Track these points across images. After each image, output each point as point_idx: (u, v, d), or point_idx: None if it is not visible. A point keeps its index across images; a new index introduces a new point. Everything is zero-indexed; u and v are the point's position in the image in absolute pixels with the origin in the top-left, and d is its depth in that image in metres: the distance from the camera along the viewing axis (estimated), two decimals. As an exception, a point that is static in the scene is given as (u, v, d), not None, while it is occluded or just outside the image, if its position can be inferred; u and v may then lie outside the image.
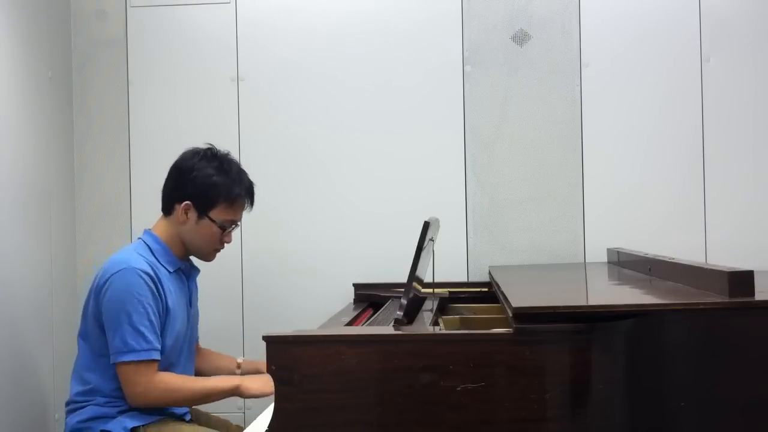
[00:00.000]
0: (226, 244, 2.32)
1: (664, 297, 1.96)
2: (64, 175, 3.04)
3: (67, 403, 2.21)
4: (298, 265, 3.08)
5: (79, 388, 2.18)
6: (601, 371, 1.64)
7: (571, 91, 3.04)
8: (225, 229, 2.28)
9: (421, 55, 3.08)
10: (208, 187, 2.23)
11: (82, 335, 2.21)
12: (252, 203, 2.34)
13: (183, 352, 2.28)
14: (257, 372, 2.36)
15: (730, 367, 1.68)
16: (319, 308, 2.68)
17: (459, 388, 1.63)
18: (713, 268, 1.85)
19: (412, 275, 1.91)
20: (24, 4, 2.75)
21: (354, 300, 2.84)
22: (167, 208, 2.28)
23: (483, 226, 3.06)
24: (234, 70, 3.12)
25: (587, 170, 3.04)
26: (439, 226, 2.30)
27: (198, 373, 2.43)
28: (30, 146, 2.75)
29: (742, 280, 1.70)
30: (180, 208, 2.23)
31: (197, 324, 2.41)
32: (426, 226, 1.95)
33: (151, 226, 2.32)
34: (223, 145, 3.06)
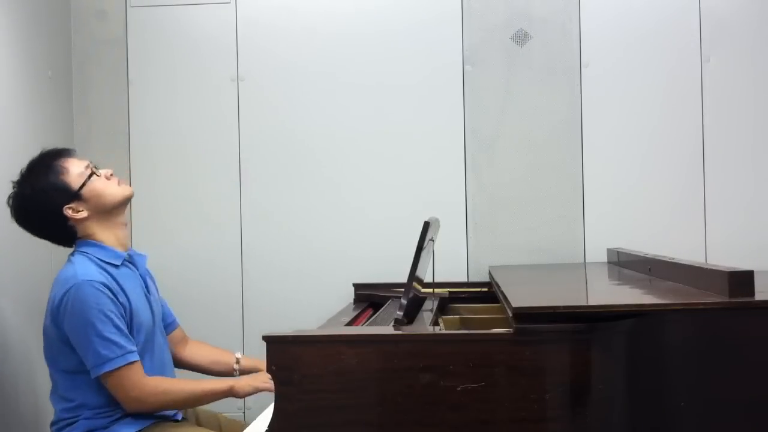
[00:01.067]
0: (114, 176, 2.24)
1: (664, 297, 1.96)
2: (64, 175, 3.03)
3: (54, 422, 2.16)
4: (297, 265, 3.08)
5: (64, 405, 2.13)
6: (601, 371, 1.64)
7: (571, 91, 3.04)
8: (95, 174, 2.21)
9: (421, 55, 3.08)
10: (50, 188, 2.16)
11: (51, 362, 2.16)
12: (69, 150, 2.27)
13: (160, 345, 2.25)
14: (256, 368, 2.35)
15: (730, 367, 1.68)
16: (319, 308, 2.68)
17: (459, 388, 1.63)
18: (713, 268, 1.85)
19: (412, 275, 1.91)
20: (24, 4, 2.75)
21: (354, 300, 2.84)
22: (68, 236, 2.21)
23: (483, 226, 3.06)
24: (234, 70, 3.12)
25: (587, 170, 3.04)
26: (439, 226, 2.30)
27: (193, 366, 2.42)
28: (30, 146, 2.74)
29: (742, 280, 1.70)
30: (70, 217, 2.17)
31: (160, 311, 2.33)
32: (426, 226, 1.95)
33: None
34: (223, 145, 3.10)
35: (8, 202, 2.21)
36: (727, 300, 1.69)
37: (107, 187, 2.21)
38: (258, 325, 3.00)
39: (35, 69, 2.81)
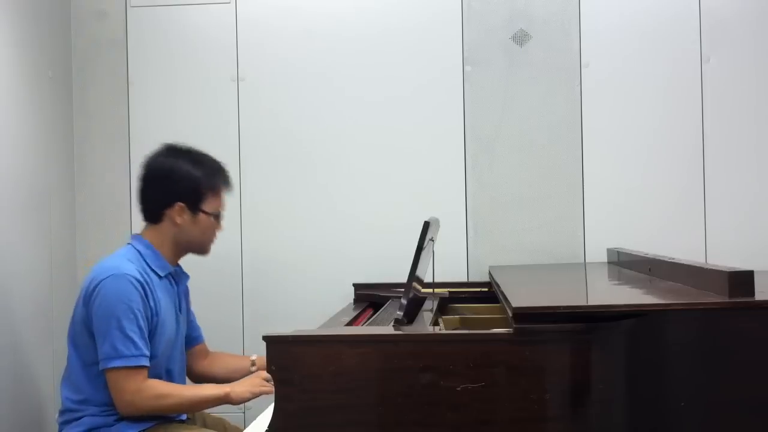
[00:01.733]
0: (217, 235, 2.32)
1: (664, 297, 1.96)
2: (64, 175, 3.04)
3: (61, 412, 2.19)
4: (297, 265, 3.08)
5: (72, 396, 2.15)
6: (601, 371, 1.64)
7: (571, 91, 3.04)
8: (219, 220, 2.29)
9: (421, 56, 3.08)
10: (194, 184, 2.22)
11: (71, 341, 2.19)
12: (230, 185, 2.35)
13: (175, 360, 2.27)
14: None
15: (730, 367, 1.68)
16: (319, 308, 2.68)
17: (459, 388, 1.63)
18: (713, 268, 1.85)
19: (412, 275, 1.91)
20: (24, 4, 2.75)
21: (354, 300, 2.84)
22: (155, 217, 2.25)
23: (483, 227, 3.06)
24: (234, 70, 3.12)
25: (587, 170, 3.04)
26: (439, 226, 2.30)
27: (211, 378, 2.42)
28: (30, 146, 2.75)
29: (742, 280, 1.70)
30: (172, 212, 2.22)
31: (185, 330, 2.37)
32: (426, 226, 1.95)
33: (140, 231, 2.30)
34: (223, 145, 3.09)
35: (165, 149, 2.27)
36: (727, 300, 1.69)
37: (209, 234, 2.29)
38: (258, 325, 3.00)
39: (35, 69, 2.81)
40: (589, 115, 3.04)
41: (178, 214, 2.22)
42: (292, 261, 3.09)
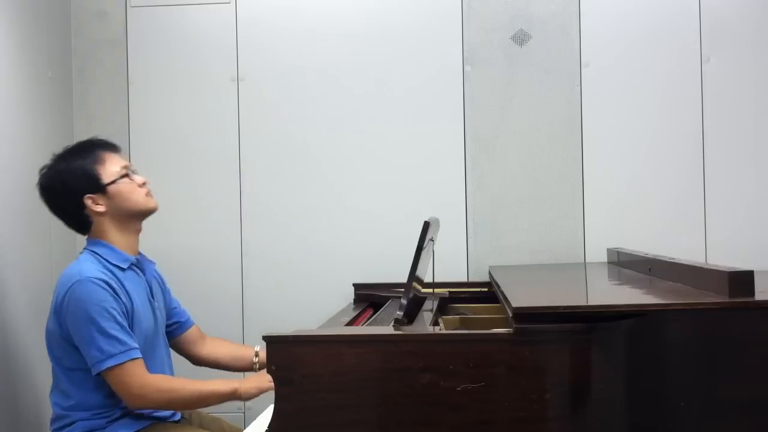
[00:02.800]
0: (147, 184, 2.26)
1: (664, 297, 1.96)
2: (64, 175, 3.03)
3: (53, 420, 2.18)
4: (298, 265, 3.08)
5: (62, 402, 2.15)
6: (601, 371, 1.64)
7: (571, 91, 3.05)
8: (129, 176, 2.23)
9: (421, 56, 3.08)
10: (79, 172, 2.17)
11: (50, 352, 2.18)
12: (114, 146, 2.29)
13: (160, 347, 2.26)
14: None
15: (730, 367, 1.68)
16: (319, 308, 2.68)
17: (459, 388, 1.63)
18: (713, 268, 1.85)
19: (412, 275, 1.91)
20: (24, 4, 2.75)
21: (354, 300, 2.84)
22: (82, 224, 2.22)
23: (483, 226, 3.06)
24: (234, 70, 3.13)
25: (587, 170, 3.04)
26: (439, 226, 2.30)
27: (212, 363, 2.42)
28: (30, 146, 2.75)
29: (742, 280, 1.70)
30: (88, 207, 2.18)
31: (164, 317, 2.34)
32: (426, 226, 1.94)
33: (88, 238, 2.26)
34: (223, 145, 3.10)
35: (40, 171, 2.23)
36: (727, 300, 1.69)
37: (133, 193, 2.23)
38: (258, 325, 3.00)
39: (35, 69, 2.81)
40: (589, 115, 3.04)
41: (94, 205, 2.18)
42: (292, 261, 3.09)
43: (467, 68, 3.07)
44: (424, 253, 1.95)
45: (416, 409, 1.64)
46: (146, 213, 2.27)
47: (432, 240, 2.14)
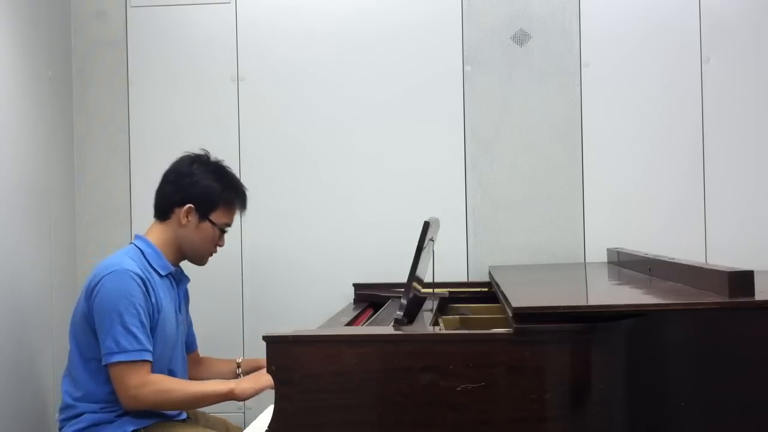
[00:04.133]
0: (219, 248, 2.37)
1: (664, 297, 1.96)
2: (64, 175, 3.04)
3: (61, 409, 2.20)
4: (298, 265, 3.08)
5: (72, 391, 2.17)
6: (601, 371, 1.64)
7: (571, 91, 3.05)
8: (222, 232, 2.33)
9: (421, 56, 3.08)
10: (211, 191, 2.28)
11: (73, 337, 2.21)
12: (245, 208, 2.40)
13: (177, 360, 2.28)
14: (258, 368, 2.36)
15: (730, 367, 1.68)
16: (319, 308, 2.68)
17: (459, 388, 1.63)
18: (713, 268, 1.85)
19: (412, 275, 1.91)
20: (24, 4, 2.75)
21: (354, 300, 2.84)
22: (164, 213, 2.30)
23: (483, 226, 3.06)
24: (234, 70, 3.12)
25: (587, 170, 3.04)
26: (439, 226, 2.30)
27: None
28: (30, 146, 2.75)
29: (742, 280, 1.70)
30: (181, 211, 2.26)
31: (186, 332, 2.40)
32: (426, 226, 1.95)
33: (143, 232, 2.32)
34: (223, 145, 3.09)
35: (199, 152, 2.35)
36: (727, 300, 1.69)
37: (206, 244, 2.32)
38: (258, 325, 3.00)
39: (35, 69, 2.81)
40: (589, 115, 3.04)
41: (186, 215, 2.26)
42: (292, 261, 3.09)
43: (467, 68, 3.07)
44: (424, 253, 1.96)
45: (416, 409, 1.64)
46: (195, 262, 2.37)
47: (432, 240, 2.14)
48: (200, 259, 2.36)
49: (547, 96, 3.05)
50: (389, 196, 3.07)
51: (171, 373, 2.24)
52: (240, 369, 2.44)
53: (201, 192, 2.27)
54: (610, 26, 3.04)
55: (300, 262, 3.08)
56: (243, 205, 2.38)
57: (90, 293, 2.14)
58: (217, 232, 2.31)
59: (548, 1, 3.05)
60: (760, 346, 1.68)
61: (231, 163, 3.06)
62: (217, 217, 2.30)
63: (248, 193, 2.40)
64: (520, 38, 3.06)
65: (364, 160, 3.08)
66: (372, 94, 3.09)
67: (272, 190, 3.10)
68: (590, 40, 3.04)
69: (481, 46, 3.07)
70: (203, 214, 2.28)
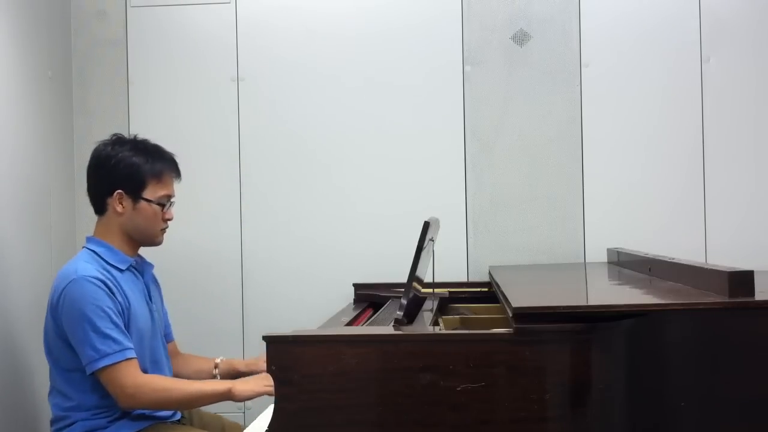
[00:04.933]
0: (168, 222, 2.26)
1: (664, 297, 1.96)
2: (64, 175, 3.03)
3: (53, 421, 2.17)
4: (298, 265, 3.08)
5: (61, 403, 2.14)
6: (601, 371, 1.64)
7: (571, 92, 3.05)
8: (163, 206, 2.23)
9: (421, 55, 3.08)
10: (132, 169, 2.18)
11: (48, 352, 2.17)
12: (179, 173, 2.29)
13: (159, 350, 2.25)
14: (233, 370, 2.36)
15: (730, 367, 1.68)
16: (319, 308, 2.69)
17: (459, 388, 1.63)
18: (713, 268, 1.85)
19: (412, 275, 1.91)
20: (24, 4, 2.75)
21: (354, 300, 2.84)
22: (99, 207, 2.23)
23: (483, 226, 3.06)
24: (234, 70, 3.12)
25: (587, 170, 3.04)
26: (439, 226, 2.30)
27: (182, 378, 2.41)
28: (30, 146, 2.75)
29: (742, 280, 1.70)
30: (112, 200, 2.18)
31: (162, 319, 2.34)
32: (426, 226, 1.95)
33: (91, 233, 2.26)
34: (223, 145, 3.10)
35: (110, 138, 2.25)
36: (727, 300, 1.69)
37: (153, 221, 2.22)
38: (258, 325, 3.00)
39: (35, 69, 2.81)
40: (589, 115, 3.04)
41: (118, 202, 2.18)
42: (292, 261, 3.09)
43: (467, 68, 3.07)
44: (424, 253, 1.96)
45: (416, 409, 1.64)
46: (148, 244, 2.27)
47: (432, 240, 2.14)
48: (152, 240, 2.25)
49: (547, 96, 3.05)
50: (389, 196, 3.07)
51: (156, 363, 2.21)
52: (217, 370, 2.38)
53: (124, 173, 2.17)
54: (610, 26, 3.04)
55: (300, 261, 3.08)
56: (173, 171, 2.25)
57: (55, 308, 2.10)
58: (158, 207, 2.21)
59: (548, 1, 3.05)
60: (760, 346, 1.68)
61: (231, 163, 3.10)
62: (150, 193, 2.19)
63: (180, 160, 2.27)
64: (520, 38, 3.06)
65: (364, 160, 3.08)
66: (372, 94, 3.09)
67: (272, 190, 3.10)
68: (590, 40, 3.04)
69: (481, 46, 3.07)
70: (134, 194, 2.18)
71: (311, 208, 3.09)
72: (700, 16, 3.00)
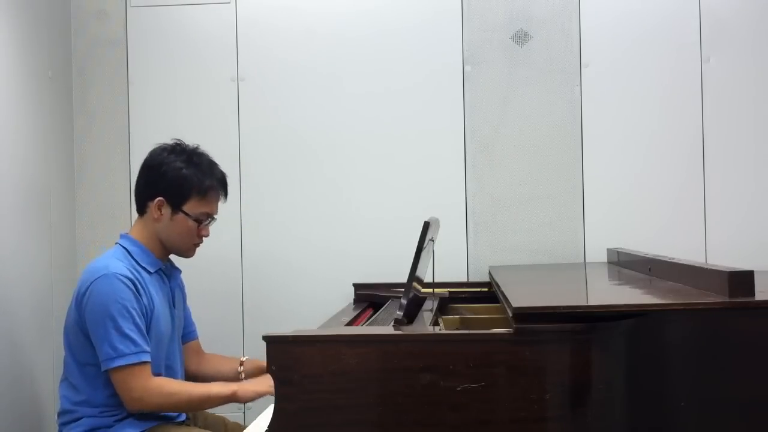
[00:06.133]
0: (204, 239, 2.26)
1: (664, 297, 1.96)
2: (64, 175, 3.04)
3: (60, 414, 2.18)
4: (298, 265, 3.08)
5: (71, 396, 2.15)
6: (601, 371, 1.64)
7: (571, 91, 3.05)
8: (201, 223, 2.22)
9: (421, 56, 3.08)
10: (179, 181, 2.18)
11: (67, 344, 2.18)
12: (226, 194, 2.29)
13: (175, 355, 2.26)
14: (259, 370, 2.35)
15: (730, 367, 1.68)
16: (319, 308, 2.68)
17: (459, 388, 1.63)
18: (713, 268, 1.85)
19: (412, 275, 1.91)
20: (24, 4, 2.75)
21: (354, 300, 2.84)
22: (141, 208, 2.24)
23: (483, 226, 3.06)
24: (234, 70, 3.13)
25: (587, 170, 3.04)
26: (439, 226, 2.30)
27: (200, 378, 2.40)
28: (30, 146, 2.75)
29: (742, 280, 1.70)
30: (153, 205, 2.19)
31: (182, 325, 2.36)
32: (426, 226, 1.95)
33: (128, 230, 2.28)
34: (223, 145, 3.10)
35: (171, 143, 2.25)
36: (727, 300, 1.69)
37: (186, 237, 2.22)
38: (258, 325, 3.00)
39: (35, 69, 2.81)
40: (589, 115, 3.04)
41: (158, 208, 2.19)
42: (292, 261, 3.09)
43: (467, 68, 3.07)
44: (424, 254, 1.96)
45: (416, 409, 1.64)
46: (180, 255, 2.28)
47: (432, 240, 2.14)
48: (183, 253, 2.26)
49: (547, 96, 3.05)
50: (389, 196, 3.07)
51: (169, 368, 2.23)
52: (242, 367, 2.40)
53: (170, 182, 2.17)
54: (610, 26, 3.04)
55: (300, 261, 3.08)
56: (222, 191, 2.26)
57: (80, 301, 2.10)
58: (194, 223, 2.20)
59: (548, 1, 3.05)
60: (760, 346, 1.68)
61: (231, 163, 3.09)
62: (191, 207, 2.19)
63: (229, 179, 2.28)
64: (520, 38, 3.06)
65: (364, 160, 3.08)
66: (372, 94, 3.09)
67: (272, 190, 3.10)
68: (590, 40, 3.04)
69: (481, 46, 3.07)
70: (175, 205, 2.18)
71: (311, 207, 3.09)
72: (700, 16, 3.00)
